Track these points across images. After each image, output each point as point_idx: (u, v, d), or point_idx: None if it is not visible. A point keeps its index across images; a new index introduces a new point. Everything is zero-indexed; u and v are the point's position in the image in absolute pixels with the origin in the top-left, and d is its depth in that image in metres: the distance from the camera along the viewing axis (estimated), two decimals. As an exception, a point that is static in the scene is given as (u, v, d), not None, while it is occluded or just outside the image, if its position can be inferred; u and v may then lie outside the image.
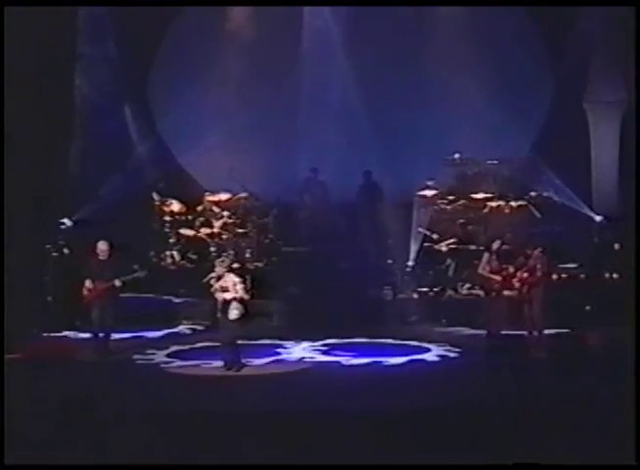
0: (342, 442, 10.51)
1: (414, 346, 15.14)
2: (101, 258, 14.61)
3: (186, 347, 15.18)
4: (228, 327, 13.06)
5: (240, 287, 12.98)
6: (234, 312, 12.90)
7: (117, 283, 14.35)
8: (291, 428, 10.70)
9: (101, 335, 14.45)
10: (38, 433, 10.63)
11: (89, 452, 10.40)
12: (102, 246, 14.64)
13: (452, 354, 14.60)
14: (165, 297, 17.62)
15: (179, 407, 11.43)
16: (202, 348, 15.01)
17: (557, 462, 9.91)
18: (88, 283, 14.40)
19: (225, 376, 13.03)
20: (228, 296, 12.96)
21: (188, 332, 16.54)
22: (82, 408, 11.31)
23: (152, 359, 14.41)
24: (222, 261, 13.33)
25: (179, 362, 14.12)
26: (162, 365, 14.02)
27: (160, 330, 16.36)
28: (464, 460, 10.21)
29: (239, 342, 13.34)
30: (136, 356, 14.50)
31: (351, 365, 13.97)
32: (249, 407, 11.49)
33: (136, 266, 17.45)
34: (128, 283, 14.69)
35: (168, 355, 14.63)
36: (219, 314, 13.14)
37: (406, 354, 14.44)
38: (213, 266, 13.43)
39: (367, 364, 13.97)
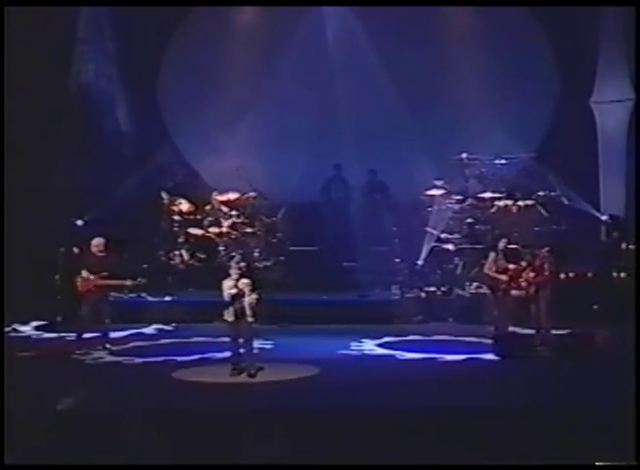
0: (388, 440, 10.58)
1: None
2: (96, 254, 14.69)
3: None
4: (246, 329, 12.93)
5: (249, 289, 12.89)
6: (249, 313, 12.85)
7: (129, 283, 14.55)
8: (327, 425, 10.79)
9: (96, 332, 14.50)
10: (38, 433, 10.59)
11: (89, 453, 10.42)
12: (97, 242, 14.73)
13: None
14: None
15: (190, 409, 11.43)
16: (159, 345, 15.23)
17: (559, 462, 9.94)
18: (85, 273, 14.48)
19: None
20: (247, 299, 12.84)
21: (154, 332, 16.51)
22: (82, 408, 11.37)
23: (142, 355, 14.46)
24: (238, 263, 13.25)
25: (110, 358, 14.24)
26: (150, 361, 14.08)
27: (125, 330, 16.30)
28: (464, 460, 10.24)
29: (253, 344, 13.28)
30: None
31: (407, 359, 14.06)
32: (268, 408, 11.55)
33: (145, 266, 17.67)
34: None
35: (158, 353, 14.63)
36: (232, 317, 12.88)
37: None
38: (229, 268, 13.25)
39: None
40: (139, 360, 14.21)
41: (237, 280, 12.88)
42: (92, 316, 14.53)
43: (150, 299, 17.60)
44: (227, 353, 13.36)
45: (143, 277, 15.02)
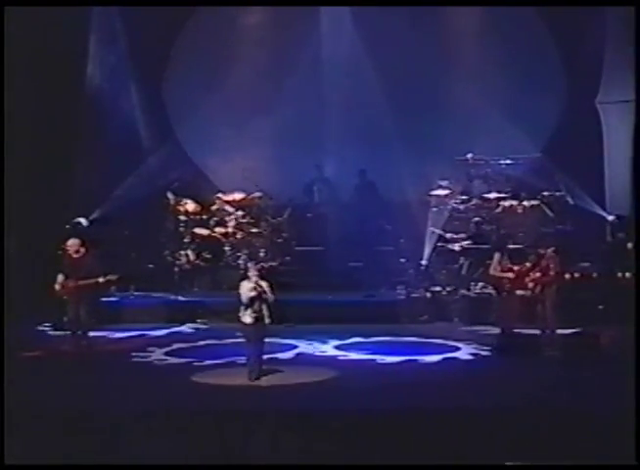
0: (370, 441, 10.65)
1: (443, 344, 15.24)
2: (73, 256, 14.31)
3: (186, 345, 15.27)
4: (262, 331, 12.86)
5: (268, 291, 12.85)
6: (266, 315, 12.76)
7: (101, 280, 14.15)
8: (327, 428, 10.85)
9: (78, 333, 14.21)
10: (38, 433, 10.66)
11: (89, 453, 10.47)
12: (72, 243, 14.36)
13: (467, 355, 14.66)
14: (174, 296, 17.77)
15: (201, 411, 11.42)
16: (204, 346, 15.17)
17: (559, 462, 9.96)
18: (60, 278, 14.13)
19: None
20: (266, 301, 12.77)
21: (191, 331, 16.53)
22: (82, 408, 11.39)
23: (149, 357, 14.48)
24: (256, 264, 13.13)
25: (175, 360, 14.21)
26: (156, 362, 14.10)
27: (164, 329, 16.40)
28: (467, 460, 10.27)
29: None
30: (135, 354, 14.59)
31: (386, 363, 13.97)
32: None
33: (151, 266, 17.61)
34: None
35: (167, 354, 14.65)
36: (251, 319, 12.76)
37: (439, 353, 14.54)
38: (247, 270, 13.21)
39: (402, 362, 14.01)
40: (150, 362, 14.25)
41: (256, 282, 12.79)
42: (78, 318, 14.16)
43: (155, 298, 17.66)
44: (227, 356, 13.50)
45: (114, 274, 14.51)
